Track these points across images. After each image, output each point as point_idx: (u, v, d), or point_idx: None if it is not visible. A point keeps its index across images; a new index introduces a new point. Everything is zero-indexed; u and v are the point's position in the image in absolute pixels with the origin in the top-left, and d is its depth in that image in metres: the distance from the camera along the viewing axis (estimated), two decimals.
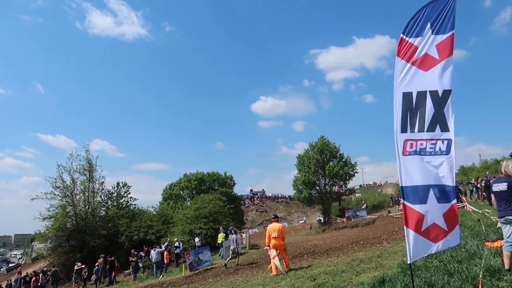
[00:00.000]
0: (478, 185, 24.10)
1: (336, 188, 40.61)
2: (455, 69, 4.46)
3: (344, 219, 32.01)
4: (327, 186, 40.37)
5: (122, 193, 37.23)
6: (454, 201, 4.28)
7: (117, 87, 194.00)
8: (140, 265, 22.31)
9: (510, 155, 21.26)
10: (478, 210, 12.90)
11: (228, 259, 15.87)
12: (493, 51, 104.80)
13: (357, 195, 61.71)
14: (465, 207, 15.56)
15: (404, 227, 4.37)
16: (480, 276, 5.11)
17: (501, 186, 5.33)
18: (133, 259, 20.32)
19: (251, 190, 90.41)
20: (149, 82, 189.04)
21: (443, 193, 4.24)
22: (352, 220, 30.83)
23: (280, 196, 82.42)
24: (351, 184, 48.82)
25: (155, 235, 30.83)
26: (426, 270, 6.42)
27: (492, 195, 5.92)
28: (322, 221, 41.86)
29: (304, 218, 64.19)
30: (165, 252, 20.05)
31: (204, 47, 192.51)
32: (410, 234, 4.27)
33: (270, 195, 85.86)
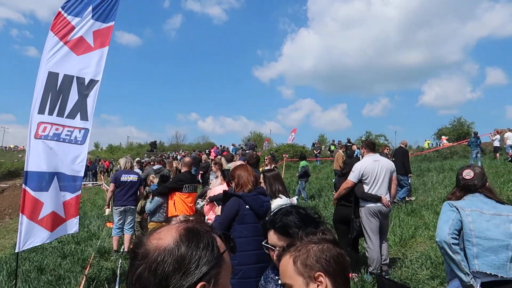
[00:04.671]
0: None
1: None
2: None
3: None
4: None
5: None
6: (79, 192, 4.31)
7: None
8: None
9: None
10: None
11: None
12: (161, 45, 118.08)
13: None
14: (102, 186, 16.50)
15: (20, 214, 4.00)
16: (91, 257, 5.48)
17: (132, 177, 5.97)
18: None
19: None
20: None
21: (68, 182, 4.19)
22: None
23: None
24: None
25: None
26: (42, 252, 6.23)
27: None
28: None
29: None
30: None
31: None
32: (24, 222, 3.95)
33: None
